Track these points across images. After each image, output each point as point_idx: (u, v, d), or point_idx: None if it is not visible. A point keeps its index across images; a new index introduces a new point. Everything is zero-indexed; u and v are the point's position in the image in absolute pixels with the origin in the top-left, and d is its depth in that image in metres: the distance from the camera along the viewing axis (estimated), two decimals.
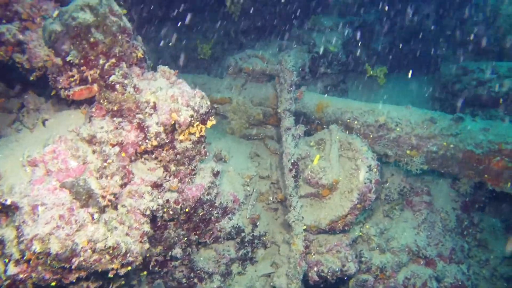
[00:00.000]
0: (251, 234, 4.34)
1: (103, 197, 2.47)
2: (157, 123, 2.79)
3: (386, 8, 6.17)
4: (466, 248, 4.67)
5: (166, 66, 3.17)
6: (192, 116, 2.84)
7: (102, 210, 2.49)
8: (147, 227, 2.84)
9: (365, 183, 3.73)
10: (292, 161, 4.20)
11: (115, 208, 2.72)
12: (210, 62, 7.06)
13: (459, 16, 6.26)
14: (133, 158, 2.88)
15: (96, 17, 2.40)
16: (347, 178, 3.97)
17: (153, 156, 3.06)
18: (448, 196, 4.79)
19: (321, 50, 5.81)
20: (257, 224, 4.43)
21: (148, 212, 2.89)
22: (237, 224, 4.13)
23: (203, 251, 4.16)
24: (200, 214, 3.68)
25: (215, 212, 3.83)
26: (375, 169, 3.86)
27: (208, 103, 3.02)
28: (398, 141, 4.25)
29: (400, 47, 6.43)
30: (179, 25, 7.05)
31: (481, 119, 4.10)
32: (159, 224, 3.40)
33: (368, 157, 3.89)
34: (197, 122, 2.97)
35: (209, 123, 3.12)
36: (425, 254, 4.21)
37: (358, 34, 6.14)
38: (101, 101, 2.72)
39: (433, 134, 4.07)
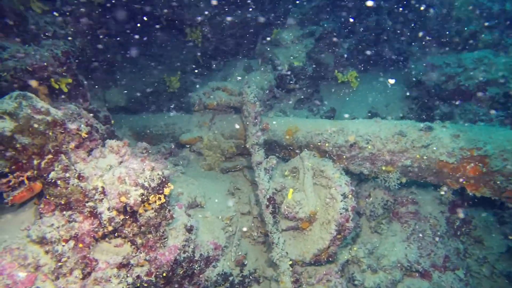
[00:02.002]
0: (240, 275, 4.28)
1: None
2: (108, 209, 2.72)
3: (344, 12, 6.02)
4: (462, 249, 4.57)
5: (114, 140, 3.10)
6: (142, 194, 2.77)
7: None
8: None
9: (341, 214, 3.64)
10: (268, 197, 4.12)
11: None
12: (180, 93, 6.98)
13: (418, 11, 6.08)
14: (92, 245, 2.82)
15: (17, 123, 2.32)
16: (324, 207, 3.89)
17: (115, 234, 3.01)
18: (434, 200, 4.68)
19: (286, 67, 5.69)
20: (245, 263, 4.37)
21: None
22: (223, 271, 4.07)
23: None
24: (181, 273, 3.62)
25: (196, 265, 3.77)
26: (350, 196, 3.76)
27: (160, 172, 2.94)
28: (372, 158, 4.14)
29: (366, 48, 6.28)
30: (143, 62, 6.97)
31: (451, 123, 3.97)
32: None
33: (341, 184, 3.79)
34: (152, 195, 2.90)
35: (167, 190, 3.05)
36: (417, 268, 4.13)
37: (321, 43, 6.00)
38: (47, 196, 2.65)
39: (405, 148, 3.96)
